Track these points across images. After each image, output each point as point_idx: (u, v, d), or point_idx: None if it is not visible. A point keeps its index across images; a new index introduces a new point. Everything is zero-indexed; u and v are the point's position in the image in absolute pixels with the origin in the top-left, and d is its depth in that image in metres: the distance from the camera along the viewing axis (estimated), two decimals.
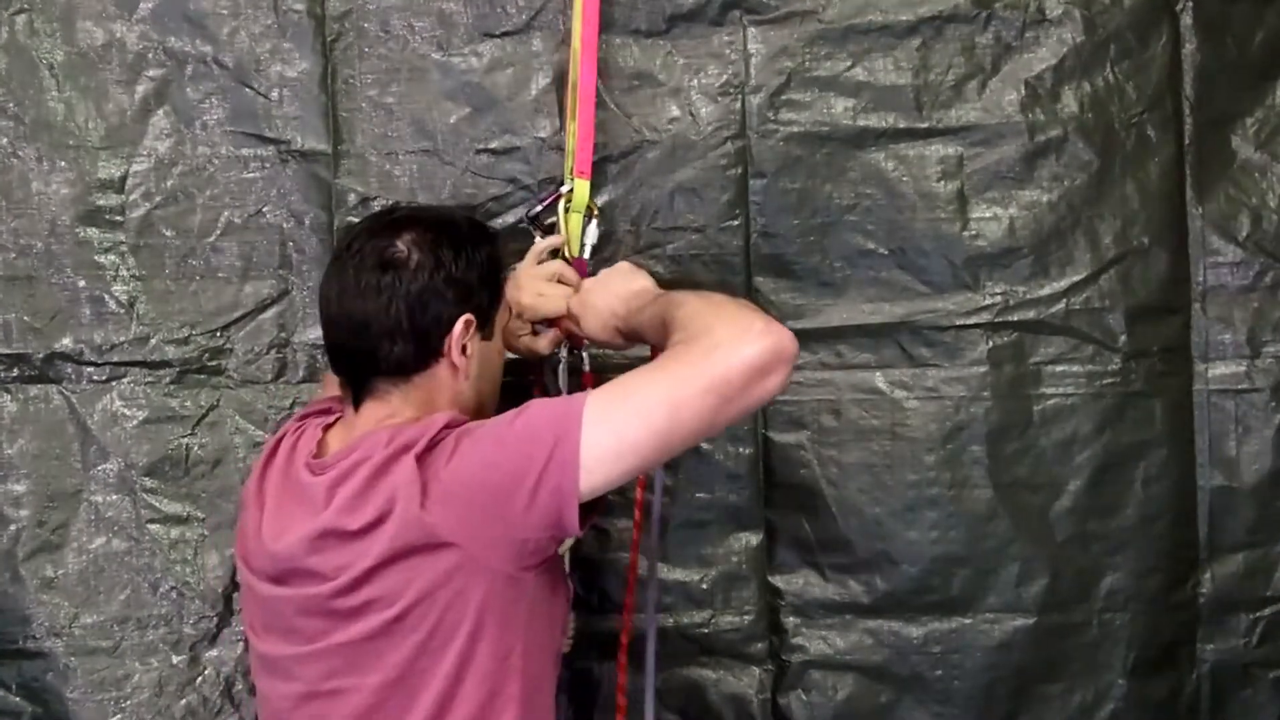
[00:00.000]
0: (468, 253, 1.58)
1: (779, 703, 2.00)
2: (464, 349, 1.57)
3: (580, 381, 1.87)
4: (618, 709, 1.88)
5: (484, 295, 1.60)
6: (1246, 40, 1.98)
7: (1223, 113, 1.99)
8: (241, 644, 1.96)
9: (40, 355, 1.96)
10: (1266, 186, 1.99)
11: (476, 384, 1.62)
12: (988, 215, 1.97)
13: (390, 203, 1.95)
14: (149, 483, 1.97)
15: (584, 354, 1.87)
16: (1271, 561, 2.01)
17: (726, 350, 1.40)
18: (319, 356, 1.96)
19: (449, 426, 1.50)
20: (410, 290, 1.53)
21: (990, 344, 1.97)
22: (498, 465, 1.44)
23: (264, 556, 1.56)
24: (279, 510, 1.57)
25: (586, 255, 1.88)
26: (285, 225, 1.97)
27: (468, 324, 1.56)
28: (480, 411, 1.64)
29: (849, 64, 1.97)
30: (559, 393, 1.88)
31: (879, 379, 1.98)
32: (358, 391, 1.59)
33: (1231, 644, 2.02)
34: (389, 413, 1.57)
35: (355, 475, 1.49)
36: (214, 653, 1.97)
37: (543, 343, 1.82)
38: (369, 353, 1.55)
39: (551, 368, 1.89)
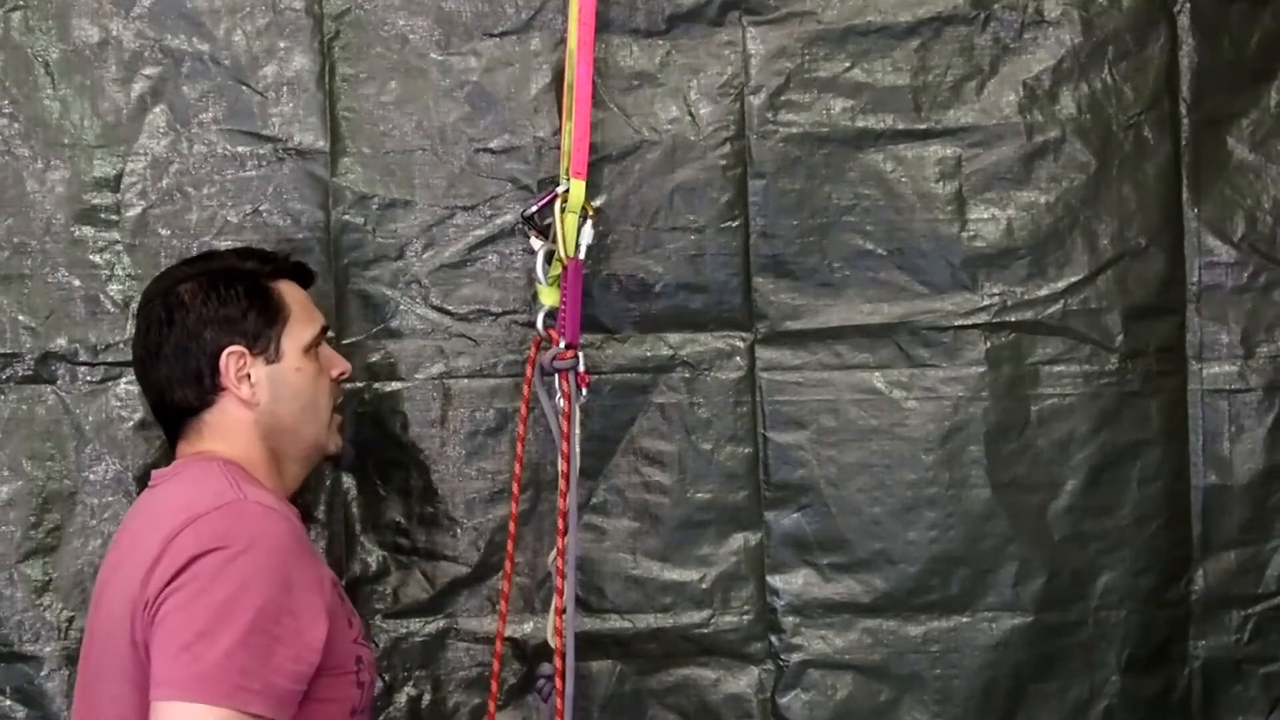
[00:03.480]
0: (220, 290, 1.67)
1: (778, 702, 2.00)
2: (245, 377, 1.66)
3: (576, 382, 1.86)
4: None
5: (249, 321, 1.67)
6: (1243, 42, 1.99)
7: (1219, 114, 2.00)
8: None
9: (34, 355, 1.94)
10: (1261, 187, 2.01)
11: (274, 407, 1.68)
12: (986, 216, 1.97)
13: (390, 199, 1.96)
14: (143, 484, 1.93)
15: (579, 354, 1.86)
16: (1263, 559, 2.03)
17: None
18: None
19: (208, 552, 1.46)
20: (170, 340, 1.65)
21: (988, 344, 1.98)
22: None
23: None
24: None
25: (582, 256, 1.87)
26: (282, 224, 1.96)
27: (234, 355, 1.65)
28: (298, 431, 1.71)
29: (848, 65, 1.97)
30: (551, 402, 1.87)
31: (877, 379, 1.99)
32: (171, 435, 1.72)
33: (1223, 640, 2.03)
34: (198, 447, 1.67)
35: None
36: None
37: None
38: (161, 404, 1.69)
39: (542, 370, 1.88)
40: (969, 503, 1.98)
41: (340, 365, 1.80)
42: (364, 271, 1.97)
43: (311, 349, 1.73)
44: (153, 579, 1.46)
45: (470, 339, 1.98)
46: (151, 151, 1.94)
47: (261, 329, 1.68)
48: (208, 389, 1.65)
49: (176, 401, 1.66)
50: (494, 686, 1.90)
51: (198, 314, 1.65)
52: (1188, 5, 1.98)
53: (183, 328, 1.65)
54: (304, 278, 1.80)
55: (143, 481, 1.92)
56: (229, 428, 1.66)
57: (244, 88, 1.94)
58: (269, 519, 1.52)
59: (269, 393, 1.67)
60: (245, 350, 1.66)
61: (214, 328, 1.65)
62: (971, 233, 1.98)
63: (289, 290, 1.74)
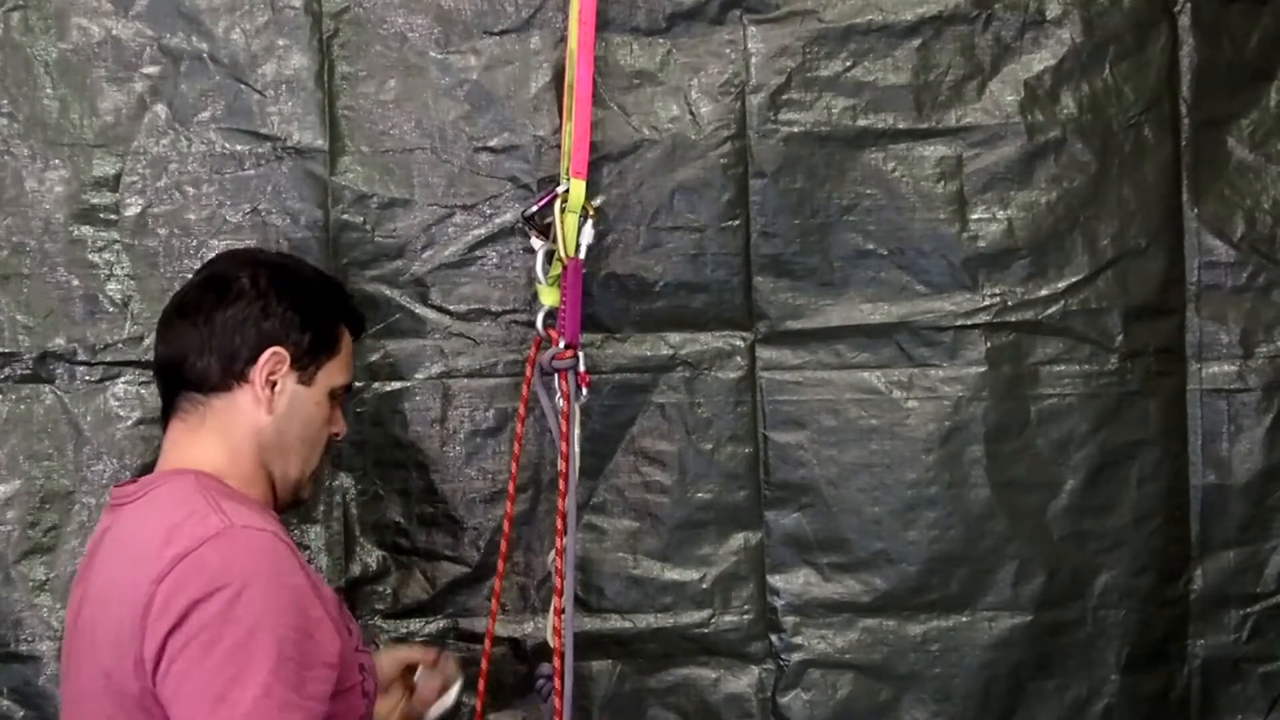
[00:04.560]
0: (294, 295, 1.63)
1: (778, 702, 2.00)
2: (272, 382, 1.60)
3: (577, 382, 1.86)
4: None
5: (306, 338, 1.63)
6: (1243, 42, 2.00)
7: (1219, 114, 2.01)
8: None
9: (33, 354, 1.93)
10: (1261, 188, 2.01)
11: (283, 424, 1.62)
12: (986, 216, 1.98)
13: (389, 198, 1.95)
14: None
15: (579, 354, 1.86)
16: (1262, 558, 2.04)
17: None
18: None
19: (209, 595, 1.39)
20: (224, 311, 1.60)
21: (988, 344, 1.98)
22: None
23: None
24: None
25: (582, 256, 1.87)
26: (281, 223, 1.95)
27: (275, 356, 1.60)
28: (284, 457, 1.64)
29: (849, 64, 1.97)
30: (551, 402, 1.87)
31: (878, 379, 1.99)
32: (166, 406, 1.64)
33: (1222, 639, 2.04)
34: (189, 436, 1.60)
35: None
36: None
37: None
38: (177, 364, 1.61)
39: (542, 370, 1.88)
40: (969, 502, 1.98)
41: (341, 425, 1.75)
42: (363, 271, 1.96)
43: (335, 396, 1.69)
44: (150, 628, 1.40)
45: (470, 339, 1.98)
46: (150, 151, 1.93)
47: (312, 351, 1.64)
48: (235, 374, 1.59)
49: (197, 370, 1.59)
50: (481, 685, 1.90)
51: (265, 302, 1.60)
52: (1188, 5, 1.98)
53: (246, 305, 1.60)
54: (359, 329, 1.78)
55: None
56: (230, 423, 1.60)
57: (243, 86, 1.93)
58: (260, 541, 1.45)
59: (286, 408, 1.61)
60: (288, 359, 1.61)
61: (274, 322, 1.60)
62: (972, 233, 1.98)
63: (345, 335, 1.71)
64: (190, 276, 1.69)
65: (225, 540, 1.43)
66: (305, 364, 1.63)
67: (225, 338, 1.59)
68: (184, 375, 1.60)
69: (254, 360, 1.59)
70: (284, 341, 1.61)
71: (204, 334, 1.59)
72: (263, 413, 1.60)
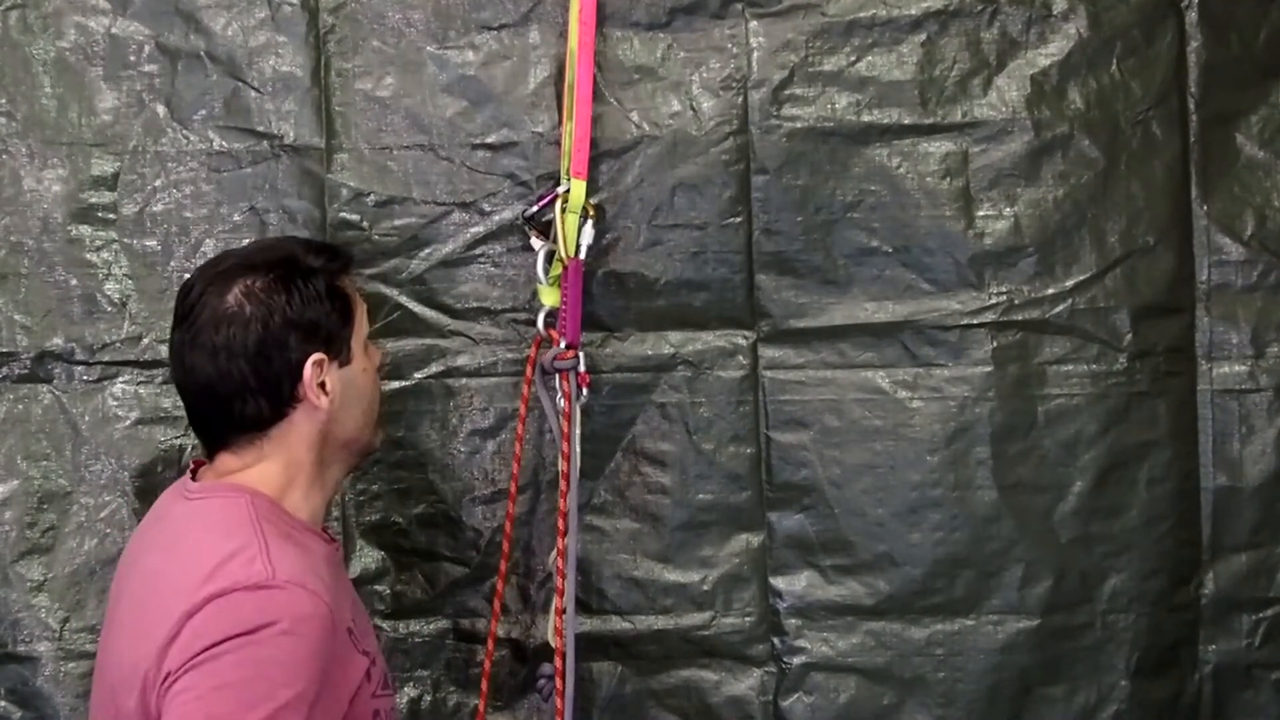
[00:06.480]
0: (301, 289, 1.55)
1: (780, 705, 1.98)
2: (323, 386, 1.56)
3: (577, 382, 1.85)
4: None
5: (330, 324, 1.57)
6: (1251, 38, 1.96)
7: (1227, 110, 1.97)
8: None
9: (31, 354, 1.93)
10: (1270, 185, 1.98)
11: (342, 411, 1.59)
12: (993, 213, 1.95)
13: (387, 196, 1.94)
14: (141, 484, 1.94)
15: (579, 354, 1.85)
16: (1274, 562, 2.00)
17: None
18: None
19: (232, 637, 1.38)
20: (248, 346, 1.51)
21: (995, 343, 1.95)
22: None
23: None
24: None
25: (583, 256, 1.86)
26: (278, 221, 1.94)
27: (318, 364, 1.55)
28: (353, 436, 1.63)
29: (853, 58, 1.95)
30: (551, 402, 1.87)
31: (882, 378, 1.96)
32: (213, 447, 1.58)
33: (1233, 645, 2.01)
34: (242, 466, 1.56)
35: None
36: None
37: None
38: (223, 414, 1.54)
39: (543, 370, 1.87)
40: (974, 504, 1.95)
41: (380, 355, 1.72)
42: (361, 269, 1.93)
43: (367, 342, 1.66)
44: (170, 654, 1.38)
45: (469, 338, 1.96)
46: (148, 149, 1.93)
47: (338, 331, 1.58)
48: (285, 400, 1.54)
49: (247, 415, 1.53)
50: (484, 686, 1.90)
51: (281, 316, 1.52)
52: (1195, 1, 1.95)
53: (262, 330, 1.52)
54: (349, 265, 1.70)
55: (140, 479, 1.93)
56: (289, 441, 1.56)
57: (240, 84, 1.93)
58: (302, 605, 1.41)
59: (340, 398, 1.58)
60: (325, 357, 1.56)
61: (298, 334, 1.53)
62: (978, 230, 1.95)
63: (345, 288, 1.64)
64: (183, 308, 1.57)
65: (266, 593, 1.40)
66: (339, 347, 1.58)
67: (262, 373, 1.52)
68: (232, 422, 1.54)
69: (298, 379, 1.54)
70: (315, 344, 1.55)
71: (237, 379, 1.51)
72: (322, 415, 1.57)
